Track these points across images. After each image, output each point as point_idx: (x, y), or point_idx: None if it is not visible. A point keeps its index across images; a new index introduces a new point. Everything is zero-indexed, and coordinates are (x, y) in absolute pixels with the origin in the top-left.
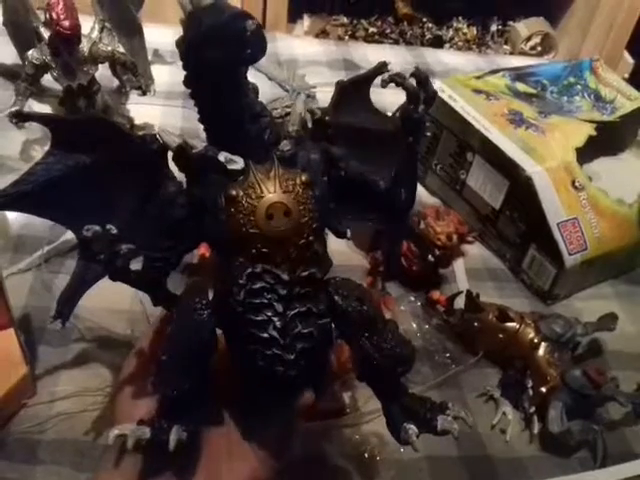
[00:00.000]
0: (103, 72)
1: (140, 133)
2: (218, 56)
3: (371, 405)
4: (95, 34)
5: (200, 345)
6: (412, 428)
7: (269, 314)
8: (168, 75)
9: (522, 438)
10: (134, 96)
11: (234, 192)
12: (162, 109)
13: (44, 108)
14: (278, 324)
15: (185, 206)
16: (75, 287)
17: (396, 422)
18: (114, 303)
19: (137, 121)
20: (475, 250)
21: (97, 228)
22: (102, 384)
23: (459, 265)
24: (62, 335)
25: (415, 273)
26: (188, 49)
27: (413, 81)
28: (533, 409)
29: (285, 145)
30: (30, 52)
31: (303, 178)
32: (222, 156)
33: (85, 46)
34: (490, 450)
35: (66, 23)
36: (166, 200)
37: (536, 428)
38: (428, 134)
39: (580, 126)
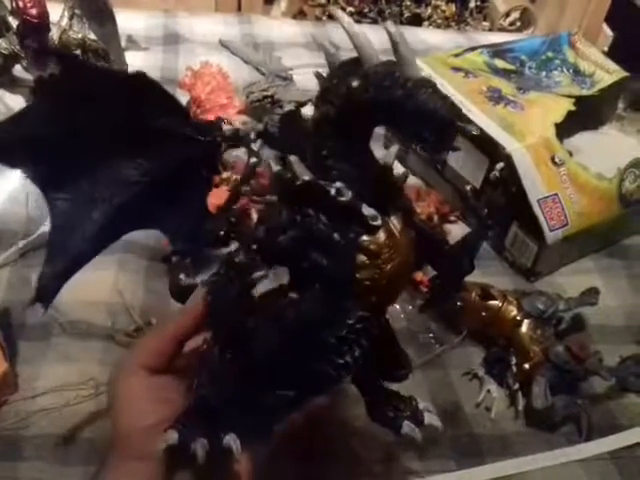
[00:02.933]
0: None
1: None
2: (419, 135)
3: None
4: (65, 21)
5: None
6: (410, 425)
7: (355, 347)
8: (143, 61)
9: (507, 415)
10: None
11: (375, 247)
12: None
13: (16, 100)
14: (357, 354)
15: (296, 239)
16: (67, 262)
17: (389, 417)
18: (92, 295)
19: None
20: (457, 229)
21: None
22: (84, 378)
23: None
24: (42, 329)
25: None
26: (377, 106)
27: None
28: (517, 386)
29: (401, 202)
30: None
31: (412, 235)
32: (367, 210)
33: (55, 34)
34: (476, 428)
35: (33, 11)
36: (278, 226)
37: (521, 404)
38: None
39: (559, 101)
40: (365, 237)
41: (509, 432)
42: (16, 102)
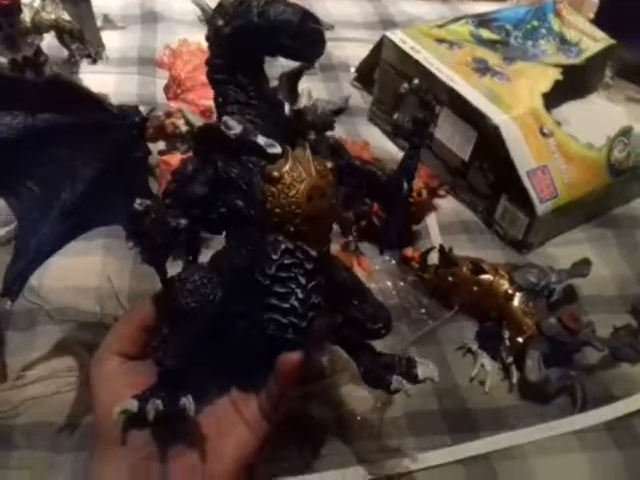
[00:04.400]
0: (52, 42)
1: (117, 103)
2: (281, 46)
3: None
4: (37, 2)
5: (206, 319)
6: (398, 378)
7: (293, 286)
8: (120, 40)
9: (501, 388)
10: (85, 65)
11: (277, 174)
12: (116, 76)
13: None
14: (300, 295)
15: (207, 184)
16: (26, 262)
17: (381, 377)
18: (80, 281)
19: None
20: (447, 204)
21: (149, 201)
22: (73, 365)
23: (432, 220)
24: (29, 318)
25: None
26: (239, 35)
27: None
28: (511, 359)
29: (312, 133)
30: None
31: (330, 165)
32: (262, 140)
33: (27, 16)
34: (470, 402)
35: None
36: (184, 176)
37: (515, 378)
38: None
39: (546, 71)
40: (268, 167)
41: (503, 405)
42: None
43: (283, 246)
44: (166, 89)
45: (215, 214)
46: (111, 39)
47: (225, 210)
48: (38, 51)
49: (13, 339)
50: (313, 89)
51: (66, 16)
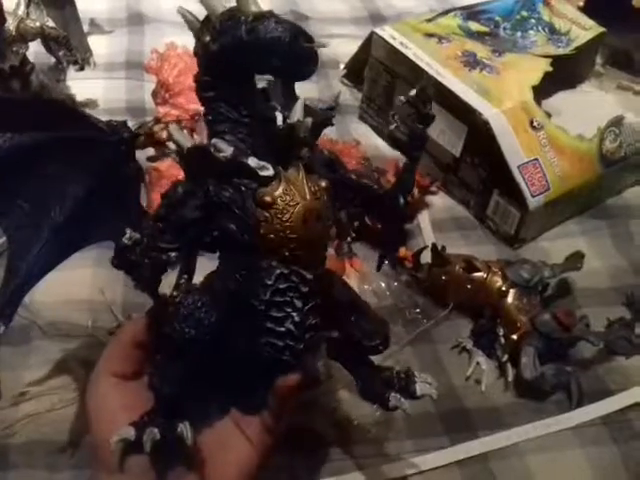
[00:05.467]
0: (37, 49)
1: (106, 119)
2: (271, 66)
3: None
4: (22, 9)
5: (200, 344)
6: (396, 396)
7: (289, 310)
8: (107, 45)
9: (497, 387)
10: (73, 72)
11: (269, 198)
12: (104, 82)
13: None
14: (297, 318)
15: (198, 208)
16: (18, 285)
17: (379, 394)
18: (72, 294)
19: (79, 98)
20: (439, 200)
21: (137, 235)
22: (67, 380)
23: (424, 218)
24: (22, 333)
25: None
26: (227, 53)
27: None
28: (506, 357)
29: (305, 152)
30: None
31: (323, 184)
32: (253, 162)
33: (11, 24)
34: (466, 402)
35: None
36: (175, 201)
37: (510, 375)
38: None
39: (536, 62)
40: (260, 190)
41: (500, 404)
42: None
43: (278, 271)
44: (154, 94)
45: (208, 237)
46: (98, 44)
47: (218, 234)
48: (24, 60)
49: (7, 355)
50: (302, 87)
51: (51, 23)
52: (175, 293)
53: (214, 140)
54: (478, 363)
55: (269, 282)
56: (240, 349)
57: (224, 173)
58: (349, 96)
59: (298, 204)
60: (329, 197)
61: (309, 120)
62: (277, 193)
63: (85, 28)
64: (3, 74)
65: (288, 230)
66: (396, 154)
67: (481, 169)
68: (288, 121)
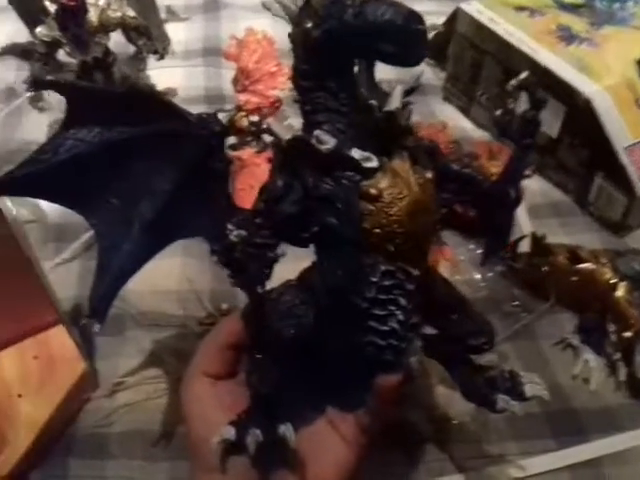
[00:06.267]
0: (118, 39)
1: (198, 112)
2: (380, 52)
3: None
4: (102, 1)
5: (299, 343)
6: (505, 398)
7: (393, 308)
8: (185, 32)
9: (608, 386)
10: (152, 61)
11: (375, 191)
12: (183, 70)
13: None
14: (401, 317)
15: (297, 202)
16: (110, 281)
17: (485, 395)
18: (160, 284)
19: (159, 87)
20: (534, 185)
21: (244, 232)
22: (160, 371)
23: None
24: (116, 323)
25: (472, 219)
26: (331, 39)
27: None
28: (618, 355)
29: (410, 141)
30: (39, 29)
31: (429, 175)
32: (357, 153)
33: (93, 15)
34: (574, 402)
35: None
36: (274, 195)
37: (622, 375)
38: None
39: (638, 35)
40: (364, 182)
41: (612, 405)
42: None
43: (383, 267)
44: (234, 82)
45: (307, 233)
46: (175, 32)
47: (318, 229)
48: (107, 51)
49: (102, 345)
50: (378, 68)
51: (131, 12)
52: (271, 289)
53: (316, 132)
54: (586, 361)
55: (374, 279)
56: (339, 347)
57: (324, 165)
58: (432, 75)
59: (406, 196)
60: (434, 188)
61: (411, 107)
62: (383, 185)
63: (162, 16)
64: (86, 66)
65: (395, 224)
66: (485, 136)
67: (582, 151)
68: (386, 109)
